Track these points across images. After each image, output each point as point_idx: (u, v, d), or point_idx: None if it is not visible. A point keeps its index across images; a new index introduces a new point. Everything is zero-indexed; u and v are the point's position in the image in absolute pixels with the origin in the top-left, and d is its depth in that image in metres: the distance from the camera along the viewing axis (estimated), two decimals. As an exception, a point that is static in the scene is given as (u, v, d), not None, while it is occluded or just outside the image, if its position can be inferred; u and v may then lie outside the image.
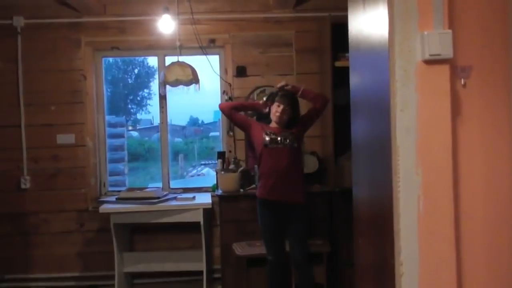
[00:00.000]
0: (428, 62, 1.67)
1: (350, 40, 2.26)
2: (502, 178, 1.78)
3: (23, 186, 4.44)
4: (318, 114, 3.64)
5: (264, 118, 3.71)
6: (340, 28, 3.17)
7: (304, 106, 3.73)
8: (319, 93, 3.75)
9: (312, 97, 3.58)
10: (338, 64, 4.10)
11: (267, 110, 3.60)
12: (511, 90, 1.77)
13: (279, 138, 3.47)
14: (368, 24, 1.98)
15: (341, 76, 3.60)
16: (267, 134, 3.50)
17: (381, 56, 1.77)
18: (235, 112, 3.71)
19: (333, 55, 4.12)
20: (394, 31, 1.68)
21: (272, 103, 3.53)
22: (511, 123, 1.77)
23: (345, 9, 2.35)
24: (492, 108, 1.78)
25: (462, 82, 1.75)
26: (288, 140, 3.47)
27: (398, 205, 1.68)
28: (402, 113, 1.68)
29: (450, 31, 1.66)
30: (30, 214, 4.47)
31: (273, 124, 3.56)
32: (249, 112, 4.17)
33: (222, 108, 3.77)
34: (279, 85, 3.57)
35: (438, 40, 1.63)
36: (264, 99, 3.67)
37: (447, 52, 1.65)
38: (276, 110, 3.49)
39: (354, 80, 2.25)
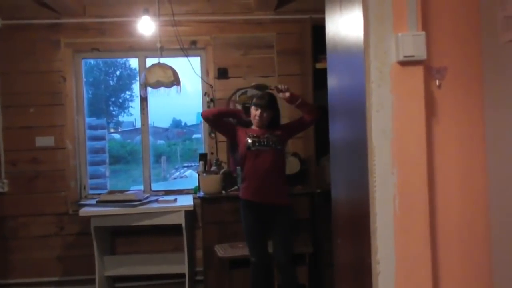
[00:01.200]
0: (402, 63, 1.69)
1: (327, 42, 2.28)
2: (477, 177, 1.81)
3: (0, 190, 4.37)
4: (308, 125, 3.70)
5: (244, 123, 3.69)
6: (321, 30, 3.17)
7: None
8: (314, 106, 3.68)
9: (307, 110, 3.57)
10: (319, 66, 4.13)
11: (246, 117, 3.62)
12: (484, 91, 1.80)
13: (262, 141, 3.48)
14: (344, 26, 2.00)
15: (322, 78, 3.58)
16: (249, 137, 3.51)
17: (357, 58, 1.79)
18: (218, 119, 3.65)
19: (314, 57, 4.15)
20: (369, 33, 1.70)
21: (251, 105, 3.54)
22: (485, 123, 1.80)
23: (325, 12, 2.36)
24: (467, 108, 1.81)
25: (437, 83, 1.78)
26: (271, 142, 3.48)
27: (374, 204, 1.70)
28: (378, 114, 1.70)
29: (423, 33, 1.69)
30: (9, 218, 4.40)
31: (255, 127, 3.57)
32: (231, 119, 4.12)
33: (205, 115, 3.67)
34: (280, 86, 3.50)
35: (412, 42, 1.66)
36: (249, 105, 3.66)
37: (421, 53, 1.67)
38: (254, 114, 3.50)
39: (332, 81, 2.27)
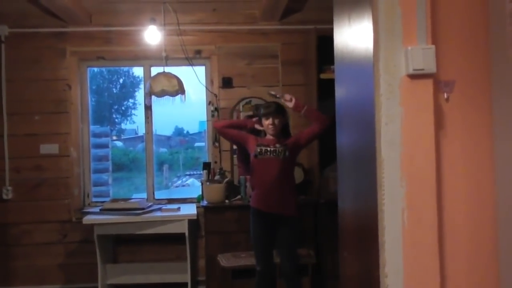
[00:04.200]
0: (412, 76, 1.70)
1: (335, 54, 2.29)
2: (484, 190, 1.81)
3: (4, 197, 4.37)
4: (317, 134, 3.55)
5: (257, 133, 3.68)
6: (325, 40, 3.21)
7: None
8: (321, 114, 3.54)
9: (315, 117, 3.51)
10: (323, 76, 4.15)
11: (260, 127, 3.60)
12: (492, 104, 1.80)
13: (269, 149, 3.47)
14: (353, 38, 2.01)
15: (326, 88, 3.63)
16: (258, 146, 3.51)
17: (366, 70, 1.80)
18: (229, 130, 3.68)
19: (318, 67, 4.17)
20: (379, 46, 1.71)
21: (261, 119, 3.55)
22: (492, 136, 1.81)
23: (330, 22, 2.37)
24: (475, 122, 1.81)
25: (445, 96, 1.78)
26: (278, 151, 3.46)
27: (382, 217, 1.70)
28: (387, 126, 1.70)
29: (433, 46, 1.69)
30: (12, 225, 4.40)
31: (269, 136, 3.55)
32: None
33: (217, 127, 3.79)
34: (286, 96, 3.54)
35: (421, 55, 1.66)
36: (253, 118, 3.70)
37: (430, 67, 1.67)
38: (267, 123, 3.50)
39: (339, 92, 2.27)
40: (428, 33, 1.71)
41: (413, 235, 1.70)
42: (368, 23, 1.77)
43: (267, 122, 3.50)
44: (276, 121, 3.49)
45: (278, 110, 3.51)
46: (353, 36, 2.00)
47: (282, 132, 3.56)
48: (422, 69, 1.67)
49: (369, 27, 1.76)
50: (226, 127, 3.72)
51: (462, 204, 1.79)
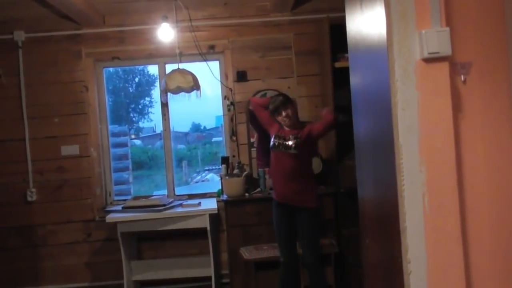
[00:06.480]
0: (427, 60, 1.68)
1: (348, 41, 2.27)
2: (505, 172, 1.78)
3: (29, 199, 4.46)
4: (321, 134, 3.59)
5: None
6: (339, 29, 3.18)
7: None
8: (328, 116, 3.53)
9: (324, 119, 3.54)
10: (338, 65, 4.12)
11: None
12: (511, 85, 1.77)
13: (283, 143, 3.46)
14: (366, 25, 1.99)
15: (341, 77, 3.60)
16: (275, 137, 3.51)
17: (380, 56, 1.78)
18: (262, 109, 3.67)
19: (332, 56, 4.14)
20: (392, 30, 1.69)
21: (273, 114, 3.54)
22: (512, 117, 1.78)
23: (342, 10, 2.36)
24: (493, 103, 1.78)
25: (462, 79, 1.76)
26: (290, 146, 3.45)
27: (403, 203, 1.69)
28: (404, 111, 1.69)
29: (447, 28, 1.67)
30: (38, 226, 4.50)
31: (286, 128, 3.55)
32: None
33: (254, 102, 3.83)
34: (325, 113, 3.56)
35: (436, 38, 1.64)
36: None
37: (446, 49, 1.65)
38: (281, 118, 3.49)
39: (355, 80, 2.26)
40: (442, 15, 1.68)
41: (434, 220, 1.68)
42: (381, 8, 1.75)
43: (280, 117, 3.49)
44: (289, 112, 3.47)
45: (285, 101, 3.48)
46: (366, 22, 1.98)
47: (297, 119, 3.55)
48: (437, 52, 1.65)
49: (382, 12, 1.74)
50: (261, 106, 3.69)
51: (483, 187, 1.77)
